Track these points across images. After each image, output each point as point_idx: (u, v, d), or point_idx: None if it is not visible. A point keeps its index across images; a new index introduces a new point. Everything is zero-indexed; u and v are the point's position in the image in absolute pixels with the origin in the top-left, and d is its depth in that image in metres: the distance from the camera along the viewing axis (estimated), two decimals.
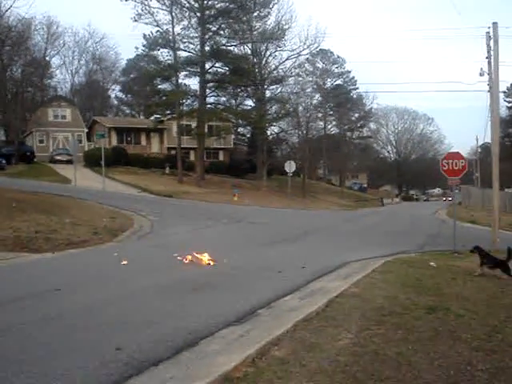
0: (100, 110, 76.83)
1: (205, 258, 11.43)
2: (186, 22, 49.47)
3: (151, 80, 52.73)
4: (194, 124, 52.50)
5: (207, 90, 52.60)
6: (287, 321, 6.79)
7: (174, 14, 48.22)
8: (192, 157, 58.59)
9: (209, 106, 53.62)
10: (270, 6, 52.57)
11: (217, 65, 52.34)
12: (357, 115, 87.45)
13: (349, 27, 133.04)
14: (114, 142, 58.23)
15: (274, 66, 57.69)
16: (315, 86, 70.77)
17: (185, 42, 50.24)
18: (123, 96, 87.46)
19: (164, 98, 51.80)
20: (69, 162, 46.69)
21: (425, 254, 15.48)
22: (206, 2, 48.55)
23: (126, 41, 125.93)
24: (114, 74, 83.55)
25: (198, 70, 50.70)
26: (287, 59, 57.02)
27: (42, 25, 60.07)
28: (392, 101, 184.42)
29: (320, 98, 72.89)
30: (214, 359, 5.35)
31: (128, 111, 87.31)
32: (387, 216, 39.80)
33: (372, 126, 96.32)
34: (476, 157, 66.15)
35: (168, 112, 53.98)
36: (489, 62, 18.75)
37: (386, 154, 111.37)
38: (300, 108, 61.34)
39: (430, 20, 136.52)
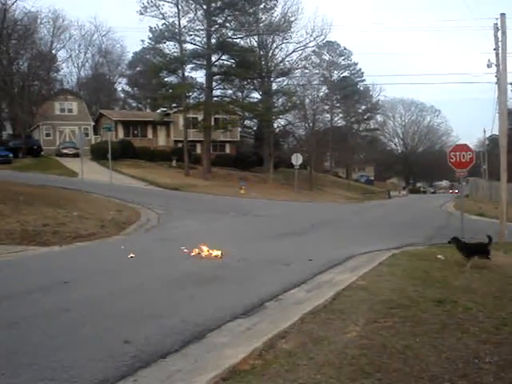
0: (106, 103, 76.85)
1: (212, 250, 11.43)
2: (191, 15, 49.45)
3: (157, 73, 52.61)
4: (200, 117, 52.46)
5: (213, 83, 52.52)
6: (294, 313, 6.78)
7: (179, 6, 48.19)
8: (198, 150, 58.57)
9: (215, 98, 53.57)
10: None
11: (223, 57, 52.25)
12: (363, 107, 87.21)
13: (356, 19, 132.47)
14: (121, 135, 58.30)
15: (280, 59, 57.56)
16: (322, 79, 70.62)
17: (191, 35, 50.22)
18: (129, 89, 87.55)
19: (170, 90, 51.72)
20: (75, 155, 46.75)
21: (432, 246, 15.41)
22: None
23: (132, 34, 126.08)
24: (120, 67, 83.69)
25: (204, 62, 50.61)
26: (294, 51, 56.88)
27: (48, 18, 60.14)
28: (399, 93, 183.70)
29: (327, 91, 72.71)
30: (222, 352, 5.36)
31: (134, 104, 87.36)
32: (394, 208, 39.71)
33: (379, 118, 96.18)
34: (483, 149, 65.80)
35: (174, 105, 54.01)
36: (496, 54, 18.60)
37: (393, 147, 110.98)
38: (307, 100, 61.25)
39: (438, 12, 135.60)
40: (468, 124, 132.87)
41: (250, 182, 47.09)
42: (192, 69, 53.75)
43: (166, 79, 53.81)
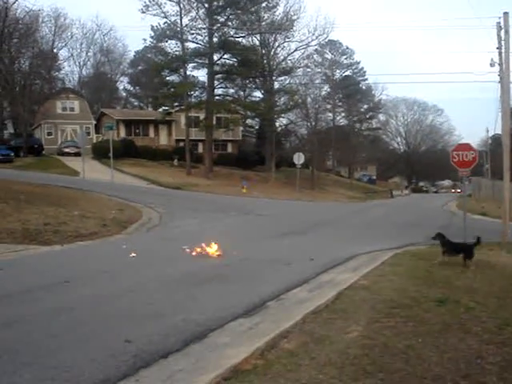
0: (108, 102, 76.84)
1: (213, 250, 11.43)
2: (193, 13, 49.39)
3: (159, 72, 52.58)
4: (202, 116, 52.40)
5: (215, 82, 52.48)
6: (296, 313, 6.77)
7: (181, 5, 48.14)
8: (200, 149, 58.53)
9: (217, 97, 53.52)
10: None
11: (225, 56, 52.18)
12: (366, 106, 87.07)
13: (358, 17, 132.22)
14: (123, 134, 58.29)
15: (282, 57, 57.43)
16: (324, 77, 70.52)
17: (193, 34, 50.18)
18: (131, 88, 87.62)
19: (172, 89, 51.67)
20: (77, 154, 46.75)
21: (434, 246, 15.36)
22: None
23: (133, 33, 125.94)
24: (121, 65, 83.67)
25: (206, 61, 50.57)
26: (296, 50, 56.73)
27: (49, 17, 59.95)
28: (401, 92, 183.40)
29: (329, 90, 72.63)
30: (223, 351, 5.34)
31: (136, 103, 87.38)
32: (396, 208, 39.67)
33: (381, 117, 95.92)
34: (486, 148, 65.68)
35: (176, 104, 53.93)
36: (499, 53, 18.55)
37: (396, 146, 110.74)
38: (309, 99, 61.13)
39: (441, 10, 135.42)
40: (471, 123, 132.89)
41: (251, 181, 47.08)
42: (194, 67, 53.75)
43: (167, 78, 53.77)
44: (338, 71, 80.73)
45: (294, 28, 54.10)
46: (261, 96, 60.63)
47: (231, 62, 52.53)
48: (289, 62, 57.16)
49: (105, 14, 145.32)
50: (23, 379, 4.48)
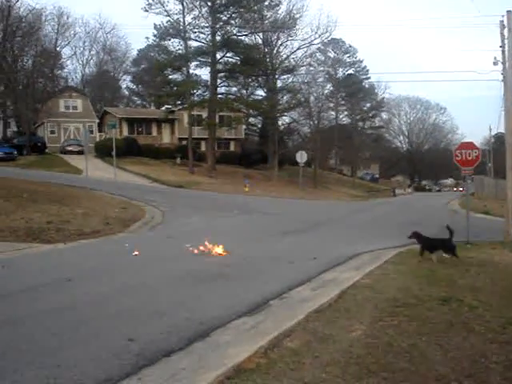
0: (111, 100, 76.90)
1: (216, 248, 11.43)
2: (196, 12, 49.29)
3: (162, 70, 52.50)
4: (204, 114, 52.39)
5: (218, 80, 52.42)
6: (299, 312, 6.76)
7: (184, 3, 48.03)
8: (203, 147, 58.53)
9: (220, 96, 53.44)
10: None
11: (228, 55, 52.09)
12: (369, 105, 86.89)
13: (361, 16, 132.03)
14: (125, 132, 58.35)
15: (285, 56, 57.30)
16: (327, 76, 70.36)
17: (195, 32, 50.08)
18: (134, 86, 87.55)
19: (175, 88, 51.61)
20: (80, 152, 46.81)
21: None
22: None
23: (136, 31, 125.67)
24: (124, 64, 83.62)
25: (209, 59, 50.52)
26: (298, 49, 56.60)
27: (52, 15, 60.08)
28: (404, 90, 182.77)
29: (332, 88, 72.52)
30: (226, 350, 5.33)
31: (139, 102, 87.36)
32: (399, 206, 39.60)
33: (384, 115, 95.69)
34: (489, 147, 65.56)
35: (179, 102, 53.92)
36: (502, 51, 18.47)
37: (398, 144, 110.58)
38: (311, 98, 60.99)
39: (443, 9, 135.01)
40: (474, 122, 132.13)
41: (254, 179, 47.06)
42: (197, 66, 53.62)
43: (170, 76, 53.69)
44: (340, 70, 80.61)
45: (297, 26, 54.00)
46: (263, 94, 60.60)
47: (234, 61, 52.45)
48: (291, 60, 57.08)
49: (108, 12, 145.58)
50: (25, 378, 4.47)
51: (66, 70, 70.10)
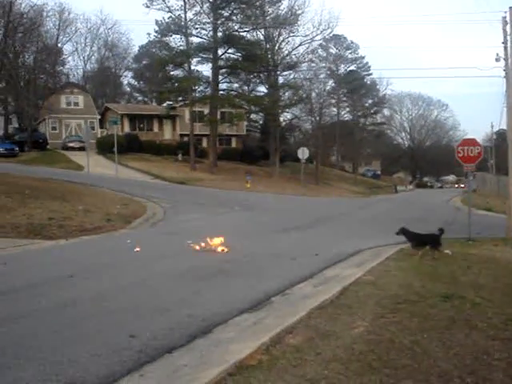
0: (112, 96, 76.86)
1: (218, 244, 11.42)
2: (198, 8, 49.18)
3: (163, 66, 52.52)
4: (206, 110, 52.35)
5: (220, 77, 52.40)
6: (301, 308, 6.74)
7: None
8: (204, 143, 58.52)
9: (221, 92, 53.43)
10: None
11: (229, 51, 52.07)
12: (370, 101, 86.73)
13: (363, 12, 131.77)
14: (127, 128, 58.30)
15: (286, 52, 57.23)
16: (328, 72, 70.33)
17: (197, 28, 49.97)
18: (135, 83, 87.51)
19: (176, 84, 51.58)
20: (81, 148, 46.78)
21: None
22: None
23: (138, 27, 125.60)
24: (126, 60, 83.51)
25: (211, 56, 50.45)
26: (300, 45, 56.50)
27: (53, 11, 59.91)
28: (406, 87, 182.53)
29: (333, 84, 72.40)
30: (228, 347, 5.33)
31: (140, 98, 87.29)
32: (401, 203, 39.57)
33: (386, 112, 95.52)
34: (491, 143, 65.46)
35: (180, 98, 53.84)
36: (505, 48, 18.43)
37: (400, 141, 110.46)
38: (313, 94, 60.98)
39: (445, 4, 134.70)
40: (476, 118, 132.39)
41: (256, 175, 47.02)
42: (198, 62, 53.60)
43: (171, 73, 53.71)
44: (342, 66, 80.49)
45: (299, 22, 53.95)
46: (265, 91, 60.53)
47: (235, 57, 52.42)
48: (293, 56, 57.04)
49: (109, 8, 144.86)
50: (28, 374, 4.47)
51: (67, 67, 69.97)
